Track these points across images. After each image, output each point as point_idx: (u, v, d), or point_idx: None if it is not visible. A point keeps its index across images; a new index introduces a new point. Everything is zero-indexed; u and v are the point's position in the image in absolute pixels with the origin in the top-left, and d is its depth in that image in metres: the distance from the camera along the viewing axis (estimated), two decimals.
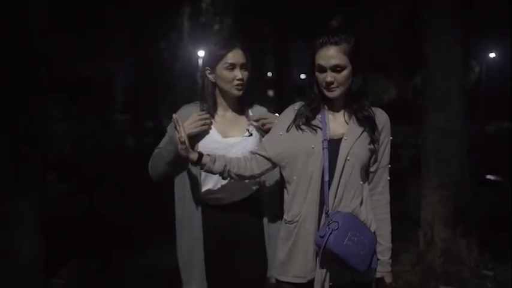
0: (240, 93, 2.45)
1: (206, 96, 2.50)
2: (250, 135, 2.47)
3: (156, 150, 2.51)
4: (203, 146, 2.41)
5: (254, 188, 2.51)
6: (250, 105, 2.56)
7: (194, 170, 2.44)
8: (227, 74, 2.42)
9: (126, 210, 6.95)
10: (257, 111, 2.54)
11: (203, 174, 2.43)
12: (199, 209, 2.48)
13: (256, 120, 2.46)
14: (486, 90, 26.75)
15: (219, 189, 2.45)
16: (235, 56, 2.43)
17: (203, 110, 2.48)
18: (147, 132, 15.77)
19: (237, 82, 2.43)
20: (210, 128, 2.47)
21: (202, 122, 2.40)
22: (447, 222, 4.81)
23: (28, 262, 4.19)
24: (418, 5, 5.14)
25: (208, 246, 2.48)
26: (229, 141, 2.45)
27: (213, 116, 2.49)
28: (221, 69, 2.43)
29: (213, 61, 2.45)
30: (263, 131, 2.46)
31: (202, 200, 2.48)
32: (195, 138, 2.41)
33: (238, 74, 2.42)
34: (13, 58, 4.08)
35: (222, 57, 2.42)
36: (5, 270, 4.12)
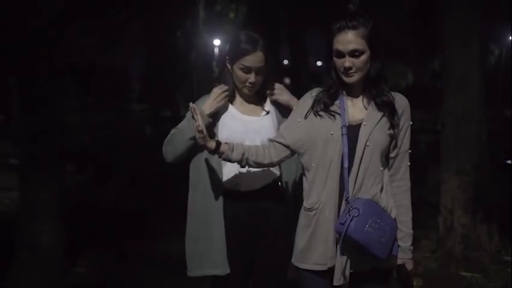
0: (251, 93, 2.48)
1: (225, 82, 2.51)
2: (268, 113, 2.49)
3: (172, 131, 2.51)
4: (222, 123, 2.43)
5: (274, 174, 2.50)
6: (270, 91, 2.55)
7: (211, 156, 2.43)
8: (241, 75, 2.42)
9: (144, 199, 7.00)
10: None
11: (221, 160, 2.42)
12: (219, 195, 2.47)
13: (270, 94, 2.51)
14: (505, 74, 26.38)
15: (237, 176, 2.44)
16: (252, 60, 2.40)
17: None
18: (164, 121, 15.82)
19: (248, 85, 2.44)
20: (228, 106, 2.50)
21: (224, 94, 2.43)
22: (467, 208, 4.77)
23: (48, 251, 4.23)
24: None
25: (229, 234, 2.46)
26: (248, 119, 2.47)
27: (232, 99, 2.51)
28: (237, 68, 2.42)
29: (232, 56, 2.45)
30: (280, 106, 2.51)
31: (221, 186, 2.47)
32: (214, 116, 2.43)
33: (252, 77, 2.41)
34: (31, 48, 4.10)
35: (240, 57, 2.41)
36: (26, 258, 4.17)
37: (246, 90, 2.46)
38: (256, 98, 2.53)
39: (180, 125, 2.50)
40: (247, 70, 2.41)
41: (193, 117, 2.20)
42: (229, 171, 2.45)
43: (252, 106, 2.52)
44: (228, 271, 2.45)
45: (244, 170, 2.40)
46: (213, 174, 2.47)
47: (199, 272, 2.50)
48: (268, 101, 2.53)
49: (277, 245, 2.48)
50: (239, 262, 2.48)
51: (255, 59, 2.40)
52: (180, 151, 2.47)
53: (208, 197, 2.48)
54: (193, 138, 2.34)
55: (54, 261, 4.27)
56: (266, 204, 2.48)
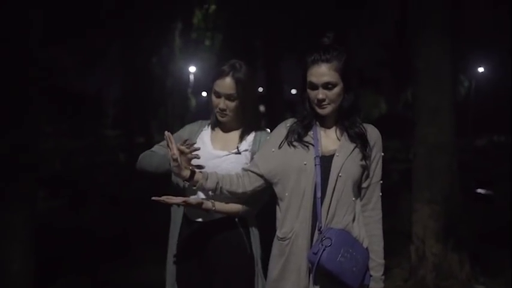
0: (224, 120, 2.46)
1: (210, 111, 2.53)
2: (238, 153, 2.45)
3: (148, 153, 2.52)
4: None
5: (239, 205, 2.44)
6: (257, 129, 2.51)
7: (176, 180, 2.45)
8: (213, 99, 2.45)
9: (118, 225, 6.92)
10: (263, 135, 2.49)
11: (184, 187, 2.44)
12: (178, 222, 2.49)
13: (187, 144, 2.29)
14: (476, 104, 26.96)
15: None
16: (221, 85, 2.41)
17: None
18: (138, 148, 15.73)
19: (218, 110, 2.44)
20: (203, 132, 2.52)
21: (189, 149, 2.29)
22: (438, 237, 4.82)
23: (18, 278, 4.13)
24: (408, 20, 5.19)
25: (184, 264, 2.49)
26: (218, 154, 2.45)
27: (214, 129, 2.53)
28: (212, 91, 2.45)
29: (211, 79, 2.48)
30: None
31: (181, 213, 2.49)
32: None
33: (221, 103, 2.42)
34: (7, 73, 4.06)
35: (213, 80, 2.44)
36: None
37: (218, 116, 2.46)
38: (236, 130, 2.51)
39: (155, 148, 2.51)
40: (217, 95, 2.43)
41: (168, 145, 2.20)
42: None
43: (229, 139, 2.50)
44: None
45: (204, 197, 2.39)
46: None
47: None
48: (249, 139, 2.48)
49: (233, 282, 2.42)
50: (191, 285, 2.49)
51: (223, 84, 2.41)
52: (153, 170, 2.48)
53: (173, 222, 2.53)
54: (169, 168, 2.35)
55: None
56: (220, 239, 2.43)
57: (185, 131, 2.57)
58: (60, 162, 12.07)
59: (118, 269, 5.21)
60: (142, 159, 2.52)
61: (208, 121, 2.56)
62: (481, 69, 28.26)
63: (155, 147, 2.56)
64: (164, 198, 2.24)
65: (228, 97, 2.42)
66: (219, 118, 2.47)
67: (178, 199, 2.28)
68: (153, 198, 2.22)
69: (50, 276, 4.84)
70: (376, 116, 27.31)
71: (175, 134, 2.56)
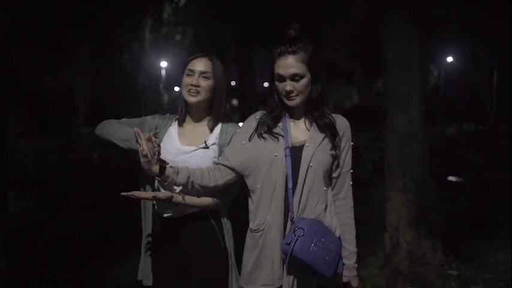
0: (194, 99, 2.44)
1: (178, 107, 2.53)
2: (206, 147, 2.45)
3: (116, 123, 2.51)
4: (164, 151, 2.34)
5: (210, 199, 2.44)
6: (223, 121, 2.52)
7: (148, 181, 2.45)
8: (185, 79, 2.46)
9: (92, 224, 6.83)
10: (230, 127, 2.49)
11: (156, 183, 2.44)
12: (149, 217, 2.51)
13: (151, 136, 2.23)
14: (445, 94, 27.34)
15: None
16: (197, 63, 2.46)
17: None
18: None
19: (190, 87, 2.44)
20: (171, 128, 2.52)
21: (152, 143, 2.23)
22: (412, 224, 4.88)
23: None
24: (377, 11, 5.22)
25: (160, 260, 2.51)
26: (186, 149, 2.44)
27: (181, 125, 2.52)
28: (183, 76, 2.47)
29: (181, 70, 2.50)
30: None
31: (155, 210, 2.49)
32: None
33: (193, 79, 2.43)
34: None
35: (186, 64, 2.48)
36: None
37: (187, 96, 2.45)
38: (203, 125, 2.51)
39: (125, 130, 2.47)
40: (190, 73, 2.45)
41: (137, 141, 2.18)
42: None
43: (196, 133, 2.50)
44: (150, 283, 2.54)
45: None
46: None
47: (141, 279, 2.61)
48: (216, 132, 2.48)
49: (207, 275, 2.44)
50: (164, 280, 2.51)
51: (198, 62, 2.46)
52: (108, 139, 2.49)
53: (144, 218, 2.54)
54: (127, 142, 2.40)
55: None
56: (192, 233, 2.44)
57: (153, 121, 2.56)
58: (31, 162, 11.89)
59: (94, 270, 5.14)
60: (107, 126, 2.51)
61: (177, 116, 2.56)
62: (450, 59, 28.63)
63: (123, 120, 2.55)
64: (133, 193, 2.24)
65: (202, 75, 2.44)
66: (188, 98, 2.45)
67: (148, 194, 2.29)
68: (123, 193, 2.22)
69: (23, 279, 4.75)
70: (348, 106, 27.51)
71: (142, 118, 2.59)
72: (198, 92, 2.44)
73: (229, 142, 2.40)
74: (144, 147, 2.16)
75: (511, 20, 15.54)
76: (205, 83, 2.45)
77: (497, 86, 25.21)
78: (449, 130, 23.17)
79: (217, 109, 2.50)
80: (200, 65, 2.45)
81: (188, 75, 2.45)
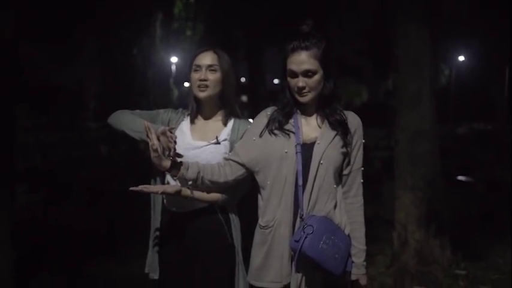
0: (204, 94, 2.43)
1: (189, 104, 2.52)
2: (217, 143, 2.43)
3: (130, 114, 2.48)
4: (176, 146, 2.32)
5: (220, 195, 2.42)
6: (236, 116, 2.51)
7: (159, 175, 2.44)
8: (193, 75, 2.45)
9: (100, 219, 6.86)
10: (242, 123, 2.48)
11: (166, 178, 2.44)
12: (158, 212, 2.51)
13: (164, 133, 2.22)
14: (456, 92, 27.19)
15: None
16: (203, 57, 2.44)
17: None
18: (120, 140, 15.57)
19: (199, 83, 2.42)
20: (183, 122, 2.51)
21: (168, 138, 2.23)
22: (420, 223, 4.86)
23: None
24: (388, 8, 5.19)
25: (167, 254, 2.51)
26: (197, 144, 2.43)
27: (193, 122, 2.50)
28: (191, 72, 2.46)
29: (188, 66, 2.48)
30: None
31: (164, 204, 2.49)
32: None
33: (201, 74, 2.42)
34: None
35: (193, 59, 2.46)
36: None
37: (198, 92, 2.43)
38: (214, 120, 2.51)
39: (138, 121, 2.43)
40: (197, 68, 2.43)
41: (147, 135, 2.18)
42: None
43: (208, 129, 2.49)
44: (156, 277, 2.54)
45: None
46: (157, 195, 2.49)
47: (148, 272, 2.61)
48: (228, 128, 2.47)
49: (214, 271, 2.43)
50: (169, 276, 2.51)
51: (205, 56, 2.44)
52: (120, 129, 2.46)
53: (153, 212, 2.54)
54: (139, 133, 2.37)
55: (3, 286, 4.12)
56: (200, 228, 2.43)
57: (166, 115, 2.55)
58: (40, 156, 11.93)
59: (101, 264, 5.16)
60: (121, 116, 2.48)
61: (189, 111, 2.55)
62: (461, 58, 28.47)
63: (136, 111, 2.54)
64: (142, 187, 2.23)
65: (209, 68, 2.43)
66: (198, 93, 2.44)
67: (157, 188, 2.29)
68: (131, 188, 2.21)
69: (31, 272, 4.78)
70: (358, 104, 27.44)
71: (155, 111, 2.58)
72: (207, 86, 2.43)
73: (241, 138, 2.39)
74: (155, 141, 2.15)
75: None
76: (213, 76, 2.43)
77: (509, 85, 25.05)
78: (460, 129, 23.03)
79: (227, 102, 2.49)
80: (206, 58, 2.44)
81: (195, 70, 2.44)
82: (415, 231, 4.87)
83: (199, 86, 2.43)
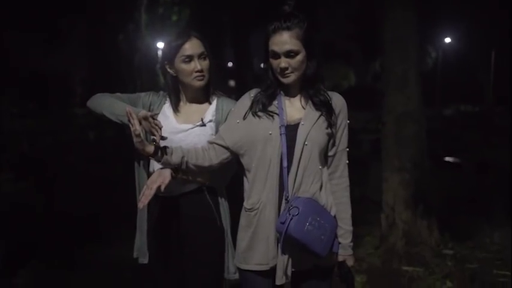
0: (203, 83, 2.41)
1: (169, 91, 2.47)
2: (203, 125, 2.41)
3: (109, 97, 2.44)
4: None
5: (198, 181, 2.41)
6: (218, 96, 2.49)
7: (142, 157, 2.40)
8: (186, 67, 2.38)
9: (88, 205, 6.83)
10: (225, 103, 2.46)
11: (151, 165, 2.42)
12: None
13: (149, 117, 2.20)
14: (443, 75, 27.28)
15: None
16: (191, 47, 2.38)
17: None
18: (107, 125, 15.48)
19: (196, 74, 2.38)
20: (164, 107, 2.47)
21: (151, 124, 2.20)
22: (408, 204, 4.89)
23: None
24: None
25: (152, 232, 2.50)
26: (183, 127, 2.41)
27: (176, 107, 2.46)
28: (179, 62, 2.39)
29: (170, 55, 2.40)
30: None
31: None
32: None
33: (197, 65, 2.37)
34: None
35: (178, 49, 2.38)
36: None
37: (196, 82, 2.39)
38: (197, 101, 2.47)
39: (119, 104, 2.39)
40: (189, 59, 2.37)
41: (129, 120, 2.14)
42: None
43: (192, 110, 2.46)
44: (146, 261, 2.54)
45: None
46: (143, 176, 2.47)
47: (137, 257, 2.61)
48: (212, 109, 2.45)
49: (203, 254, 2.43)
50: (159, 260, 2.51)
51: (192, 45, 2.38)
52: (100, 112, 2.42)
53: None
54: (120, 117, 2.33)
55: None
56: (188, 212, 2.43)
57: (147, 98, 2.51)
58: (27, 143, 11.85)
59: (90, 249, 5.15)
60: (100, 99, 2.44)
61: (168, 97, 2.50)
62: (447, 40, 28.52)
63: (116, 94, 2.49)
64: (144, 200, 2.21)
65: (200, 56, 2.38)
66: (197, 83, 2.40)
67: (152, 191, 2.22)
68: (139, 205, 2.22)
69: (20, 259, 4.75)
70: (346, 87, 27.46)
71: (136, 94, 2.54)
72: (203, 76, 2.40)
73: (226, 118, 2.37)
74: (137, 127, 2.12)
75: (510, 1, 15.46)
76: (205, 64, 2.40)
77: (495, 67, 25.16)
78: (447, 111, 23.15)
79: (211, 82, 2.46)
80: (194, 47, 2.38)
81: (185, 61, 2.37)
82: (402, 212, 4.90)
83: (197, 77, 2.39)
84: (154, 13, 19.03)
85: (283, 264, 2.17)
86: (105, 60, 17.05)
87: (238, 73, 20.56)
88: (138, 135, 2.13)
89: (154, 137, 2.18)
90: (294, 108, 2.23)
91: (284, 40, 2.11)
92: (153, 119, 2.18)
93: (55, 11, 14.31)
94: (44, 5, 13.59)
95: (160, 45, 22.47)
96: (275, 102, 2.22)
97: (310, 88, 2.21)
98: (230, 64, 25.01)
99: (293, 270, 2.19)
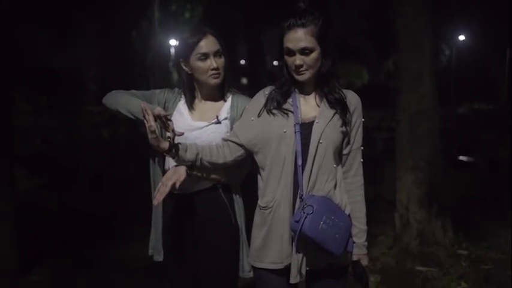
0: (218, 81, 2.39)
1: (184, 88, 2.46)
2: (218, 122, 2.40)
3: (124, 94, 2.43)
4: (174, 127, 2.23)
5: (213, 179, 2.39)
6: (233, 93, 2.48)
7: (157, 154, 2.40)
8: (201, 65, 2.37)
9: (102, 203, 6.86)
10: (240, 100, 2.44)
11: (166, 163, 2.41)
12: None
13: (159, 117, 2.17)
14: (457, 72, 27.08)
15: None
16: (206, 44, 2.36)
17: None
18: (121, 123, 15.52)
19: (212, 72, 2.37)
20: (179, 104, 2.46)
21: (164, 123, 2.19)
22: (422, 203, 4.86)
23: (2, 261, 4.08)
24: None
25: (166, 230, 2.50)
26: (198, 125, 2.40)
27: (191, 104, 2.45)
28: (194, 60, 2.37)
29: (185, 52, 2.39)
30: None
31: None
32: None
33: (212, 63, 2.36)
34: None
35: (193, 47, 2.36)
36: None
37: (212, 80, 2.38)
38: (212, 98, 2.46)
39: (134, 101, 2.37)
40: (204, 56, 2.35)
41: (144, 117, 2.13)
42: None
43: (207, 108, 2.45)
44: (161, 259, 2.55)
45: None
46: (158, 173, 2.47)
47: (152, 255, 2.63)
48: (227, 106, 2.44)
49: (218, 252, 2.41)
50: (173, 257, 2.51)
51: (207, 43, 2.36)
52: (115, 109, 2.41)
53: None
54: (135, 114, 2.32)
55: (7, 270, 4.12)
56: (203, 209, 2.42)
57: (162, 95, 2.50)
58: (41, 140, 11.91)
59: (104, 247, 5.17)
60: (116, 96, 2.43)
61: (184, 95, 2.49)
62: (461, 37, 28.31)
63: (131, 91, 2.48)
64: (159, 198, 2.19)
65: (216, 53, 2.37)
66: (213, 81, 2.39)
67: (167, 188, 2.20)
68: (154, 203, 2.21)
69: (35, 257, 4.77)
70: (359, 85, 27.36)
71: (151, 91, 2.53)
72: (219, 74, 2.39)
73: (241, 116, 2.35)
74: (152, 123, 2.11)
75: None
76: (221, 62, 2.39)
77: (510, 64, 24.92)
78: (461, 109, 22.99)
79: (228, 82, 2.45)
80: (210, 45, 2.36)
81: (201, 59, 2.36)
82: (416, 211, 4.86)
83: (212, 75, 2.38)
84: (167, 10, 19.07)
85: (297, 262, 2.16)
86: (118, 57, 17.12)
87: (250, 71, 20.53)
88: (153, 132, 2.12)
89: (170, 135, 2.17)
90: (309, 106, 2.21)
91: (299, 37, 2.10)
92: (167, 119, 2.17)
93: (68, 7, 14.38)
94: (57, 1, 13.66)
95: (173, 42, 22.56)
96: (290, 100, 2.20)
97: (324, 86, 2.20)
98: (243, 62, 25.01)
99: (307, 269, 2.18)
